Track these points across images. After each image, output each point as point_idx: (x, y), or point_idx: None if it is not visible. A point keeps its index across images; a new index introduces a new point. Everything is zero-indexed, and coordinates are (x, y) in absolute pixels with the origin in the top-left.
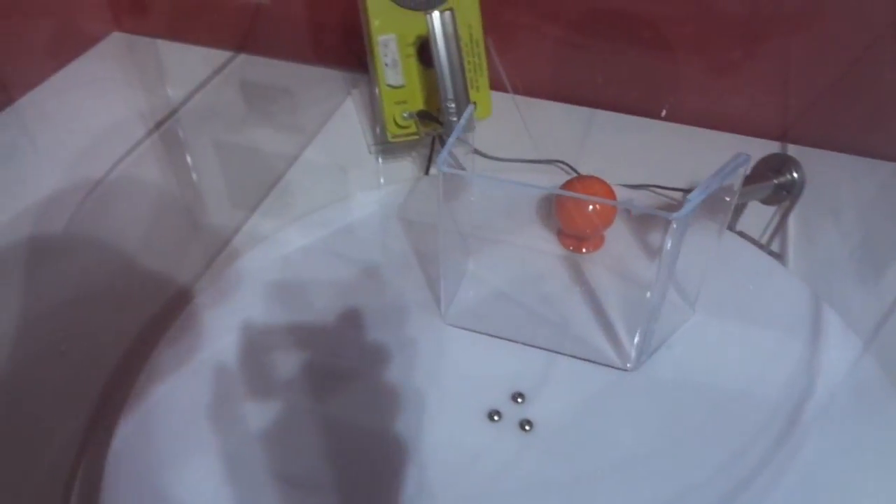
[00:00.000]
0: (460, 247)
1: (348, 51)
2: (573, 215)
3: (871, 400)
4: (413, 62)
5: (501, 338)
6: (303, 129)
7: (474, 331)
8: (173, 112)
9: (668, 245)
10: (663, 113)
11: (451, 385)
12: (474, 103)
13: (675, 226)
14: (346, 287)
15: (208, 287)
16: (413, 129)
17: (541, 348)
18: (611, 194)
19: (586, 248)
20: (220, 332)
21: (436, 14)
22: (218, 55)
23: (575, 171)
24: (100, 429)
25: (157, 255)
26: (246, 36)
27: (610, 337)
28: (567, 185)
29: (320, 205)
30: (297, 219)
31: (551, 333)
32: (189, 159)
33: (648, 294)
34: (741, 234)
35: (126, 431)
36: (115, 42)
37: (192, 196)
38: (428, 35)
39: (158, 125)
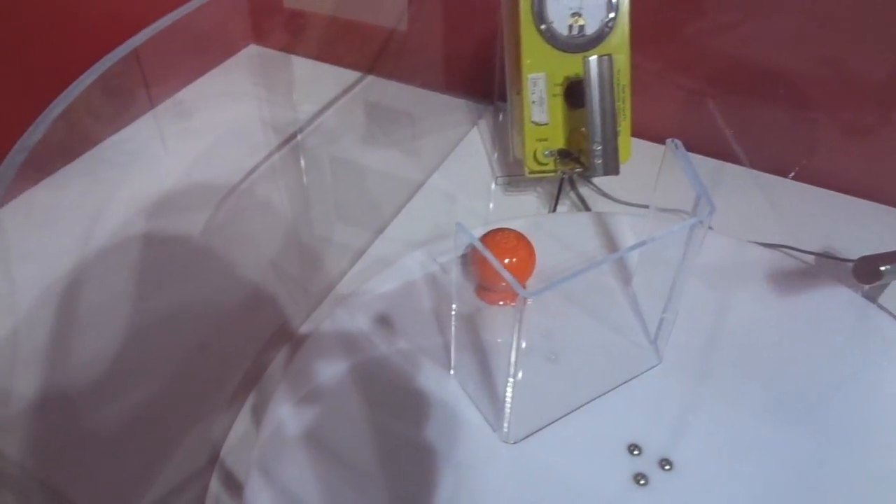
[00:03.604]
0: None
1: (476, 82)
2: (492, 271)
3: None
4: (558, 101)
5: (560, 418)
6: (428, 155)
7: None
8: (301, 129)
9: (689, 249)
10: (792, 173)
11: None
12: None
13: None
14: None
15: (331, 309)
16: (551, 166)
17: (592, 400)
18: (528, 246)
19: (503, 301)
20: (336, 358)
21: (594, 58)
22: (348, 75)
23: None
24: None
25: (283, 269)
26: (377, 58)
27: (630, 349)
28: (484, 238)
29: (442, 233)
30: (418, 246)
31: (590, 381)
32: (315, 176)
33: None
34: (881, 307)
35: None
36: (251, 55)
37: (316, 214)
38: (579, 77)
39: (286, 140)
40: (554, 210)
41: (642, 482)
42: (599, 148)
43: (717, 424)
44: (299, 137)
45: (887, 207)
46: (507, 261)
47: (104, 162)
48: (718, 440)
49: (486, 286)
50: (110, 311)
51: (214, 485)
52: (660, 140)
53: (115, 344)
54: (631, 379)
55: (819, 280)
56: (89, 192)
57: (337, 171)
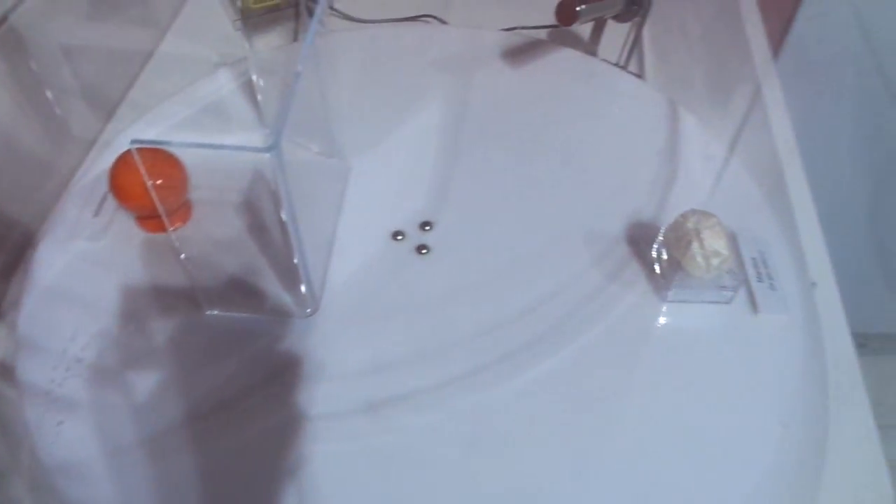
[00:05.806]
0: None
1: None
2: (143, 195)
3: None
4: None
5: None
6: (157, 18)
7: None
8: (12, 9)
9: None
10: None
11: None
12: None
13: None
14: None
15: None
16: None
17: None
18: (171, 158)
19: (174, 225)
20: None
21: None
22: None
23: (445, 23)
24: None
25: (16, 169)
26: None
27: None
28: (122, 162)
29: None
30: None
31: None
32: (34, 66)
33: None
34: (597, 57)
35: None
36: None
37: (43, 107)
38: None
39: None
40: (295, 39)
41: (424, 252)
42: None
43: (469, 187)
44: (10, 23)
45: None
46: (156, 182)
47: None
48: (472, 200)
49: (146, 214)
50: None
51: None
52: None
53: None
54: (341, 189)
55: (548, 48)
56: None
57: (60, 56)
